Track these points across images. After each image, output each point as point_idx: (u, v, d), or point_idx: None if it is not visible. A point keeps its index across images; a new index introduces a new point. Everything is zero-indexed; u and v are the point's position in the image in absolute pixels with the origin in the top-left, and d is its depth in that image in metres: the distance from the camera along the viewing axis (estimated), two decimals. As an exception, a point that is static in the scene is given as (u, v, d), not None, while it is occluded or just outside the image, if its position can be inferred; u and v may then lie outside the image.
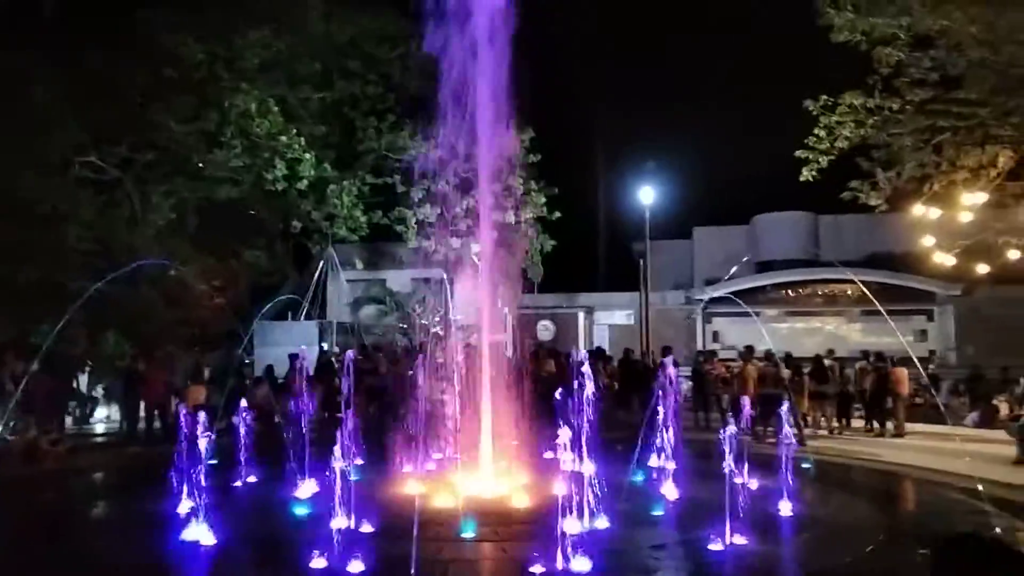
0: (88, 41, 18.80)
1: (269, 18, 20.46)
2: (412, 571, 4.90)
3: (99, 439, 15.60)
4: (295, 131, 21.32)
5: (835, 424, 16.15)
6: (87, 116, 18.92)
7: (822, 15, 16.33)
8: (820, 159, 17.28)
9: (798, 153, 17.49)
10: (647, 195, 22.25)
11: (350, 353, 17.00)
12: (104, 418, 17.59)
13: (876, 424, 15.90)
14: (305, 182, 22.66)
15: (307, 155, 21.72)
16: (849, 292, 27.74)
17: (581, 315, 31.46)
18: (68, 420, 15.79)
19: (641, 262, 22.42)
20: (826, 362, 16.44)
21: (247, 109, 19.97)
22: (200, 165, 21.46)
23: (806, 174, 17.68)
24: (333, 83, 23.93)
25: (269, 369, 16.47)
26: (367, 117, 24.70)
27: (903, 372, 16.06)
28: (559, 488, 9.53)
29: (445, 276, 22.99)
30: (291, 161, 21.76)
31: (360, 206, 25.02)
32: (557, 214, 27.09)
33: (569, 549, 6.38)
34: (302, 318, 26.33)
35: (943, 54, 15.85)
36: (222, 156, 20.98)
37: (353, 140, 25.05)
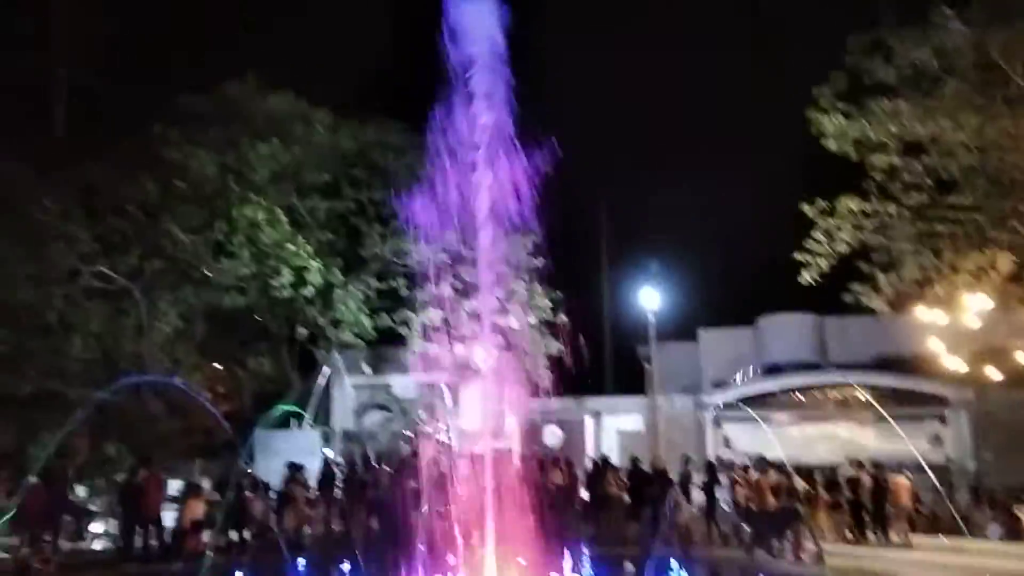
0: (100, 154, 19.47)
1: (278, 132, 21.18)
2: None
3: (94, 556, 15.08)
4: (302, 239, 21.67)
5: (850, 536, 15.58)
6: (97, 227, 19.35)
7: (813, 123, 16.83)
8: (820, 262, 17.40)
9: (797, 256, 17.64)
10: (650, 298, 22.27)
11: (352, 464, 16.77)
12: (101, 532, 17.07)
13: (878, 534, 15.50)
14: (311, 288, 22.86)
15: (314, 262, 22.00)
16: (860, 396, 27.28)
17: (589, 420, 30.94)
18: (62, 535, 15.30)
19: (646, 366, 22.20)
20: (842, 472, 16.02)
21: (255, 219, 20.38)
22: (208, 274, 21.72)
23: (807, 277, 17.77)
24: (340, 191, 24.52)
25: (266, 486, 16.08)
26: (372, 223, 25.16)
27: (902, 481, 15.82)
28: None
29: (447, 383, 22.86)
30: (298, 268, 22.02)
31: (365, 311, 25.14)
32: (562, 318, 27.14)
33: None
34: (305, 426, 25.98)
35: (935, 160, 16.21)
36: (230, 265, 21.26)
37: (359, 246, 25.42)
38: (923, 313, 17.06)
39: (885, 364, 27.54)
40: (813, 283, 17.96)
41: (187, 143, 20.12)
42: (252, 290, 23.19)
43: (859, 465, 16.49)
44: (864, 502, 15.48)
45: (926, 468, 16.30)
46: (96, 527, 17.37)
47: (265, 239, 20.83)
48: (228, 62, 22.59)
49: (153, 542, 14.02)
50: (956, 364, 17.57)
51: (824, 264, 17.53)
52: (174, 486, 16.33)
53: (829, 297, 20.61)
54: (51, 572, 11.92)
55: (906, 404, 24.79)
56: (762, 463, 14.91)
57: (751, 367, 30.94)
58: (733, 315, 32.62)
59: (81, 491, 17.55)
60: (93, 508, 17.69)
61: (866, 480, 15.66)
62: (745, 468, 16.20)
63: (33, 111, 19.91)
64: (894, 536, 15.45)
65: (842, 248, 17.06)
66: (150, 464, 15.38)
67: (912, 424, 25.23)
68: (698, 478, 15.96)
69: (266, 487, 15.85)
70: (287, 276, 21.82)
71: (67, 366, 19.59)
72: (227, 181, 20.81)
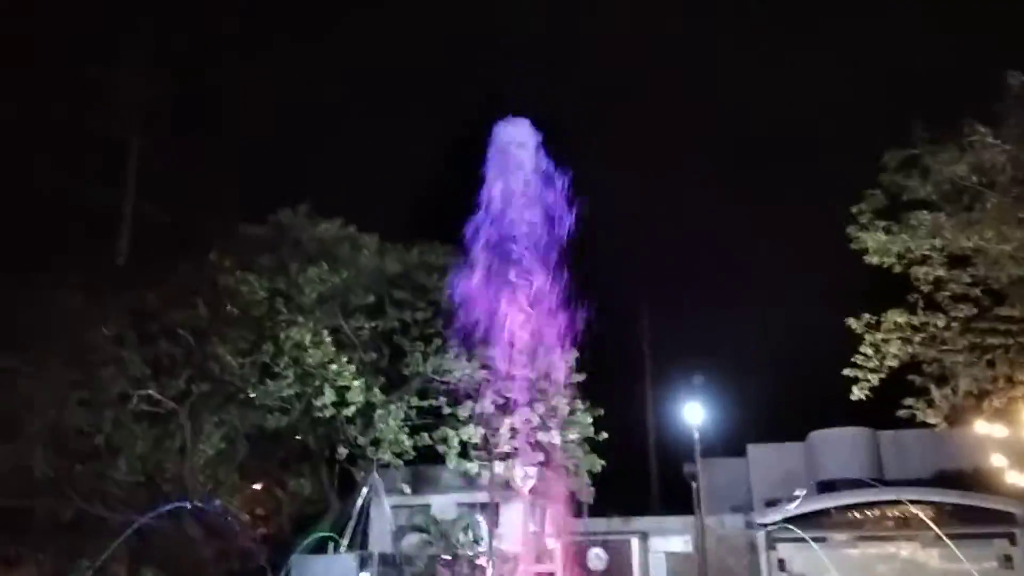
0: (157, 280, 20.27)
1: (326, 256, 21.89)
2: None
3: None
4: (346, 359, 21.93)
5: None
6: (149, 351, 19.87)
7: (853, 239, 16.89)
8: (870, 377, 17.05)
9: (846, 371, 17.32)
10: (695, 413, 21.87)
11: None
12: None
13: None
14: (353, 408, 22.92)
15: (356, 382, 22.16)
16: (922, 514, 25.97)
17: (635, 541, 29.76)
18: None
19: (694, 484, 21.53)
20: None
21: (302, 341, 20.76)
22: (252, 395, 21.99)
23: (857, 393, 17.40)
24: (385, 311, 24.95)
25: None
26: (415, 342, 25.42)
27: None
28: None
29: (487, 502, 22.36)
30: (340, 388, 22.17)
31: (406, 430, 25.02)
32: (604, 434, 26.66)
33: None
34: (344, 549, 25.42)
35: (982, 271, 16.05)
36: (275, 387, 21.51)
37: (401, 364, 25.60)
38: (982, 427, 16.44)
39: (945, 480, 26.33)
40: (864, 399, 17.54)
41: (240, 268, 20.87)
42: (295, 410, 23.34)
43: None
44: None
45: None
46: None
47: (310, 360, 21.12)
48: (281, 190, 23.78)
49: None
50: (1020, 480, 16.73)
51: (874, 379, 17.18)
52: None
53: (883, 413, 20.07)
54: None
55: (970, 522, 23.49)
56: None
57: (804, 485, 29.81)
58: (783, 431, 31.79)
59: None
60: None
61: None
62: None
63: (98, 240, 20.98)
64: None
65: (892, 362, 16.75)
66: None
67: (978, 543, 23.84)
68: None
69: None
70: (330, 395, 21.96)
71: (110, 489, 19.67)
72: (275, 304, 21.38)
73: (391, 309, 25.02)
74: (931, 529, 25.26)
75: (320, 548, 26.07)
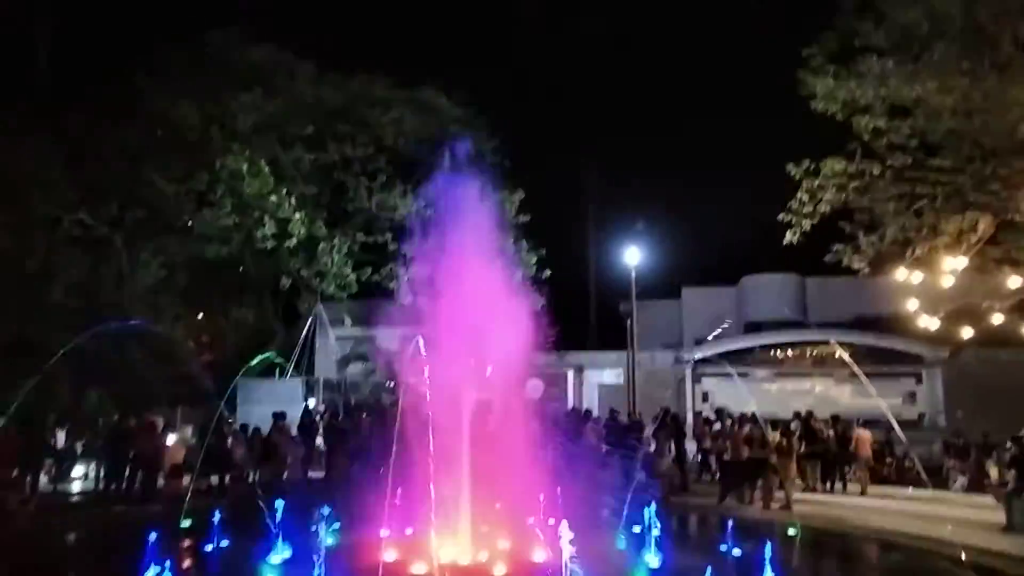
0: (82, 102, 19.15)
1: (261, 82, 20.86)
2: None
3: (74, 498, 15.26)
4: (285, 191, 21.52)
5: (816, 485, 16.11)
6: (78, 175, 19.11)
7: (803, 83, 16.76)
8: (803, 222, 17.51)
9: (781, 217, 17.74)
10: (633, 255, 22.37)
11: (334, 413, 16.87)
12: (81, 476, 17.23)
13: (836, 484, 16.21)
14: (295, 240, 22.78)
15: (297, 214, 21.89)
16: (837, 354, 27.71)
17: (571, 373, 31.30)
18: (44, 478, 15.45)
19: (628, 322, 22.38)
20: (813, 423, 16.43)
21: (238, 169, 20.19)
22: (189, 224, 21.58)
23: (789, 237, 17.90)
24: (325, 144, 24.29)
25: (244, 428, 16.27)
26: (358, 177, 25.00)
27: (865, 434, 16.53)
28: (537, 555, 9.39)
29: (431, 335, 22.95)
30: (281, 220, 21.91)
31: (350, 264, 25.12)
32: (547, 272, 27.24)
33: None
34: (288, 376, 26.14)
35: (921, 122, 16.22)
36: (212, 215, 21.11)
37: (344, 199, 25.28)
38: (902, 274, 17.24)
39: (864, 323, 27.99)
40: (795, 244, 18.08)
41: (169, 92, 19.80)
42: (235, 241, 23.11)
43: (827, 420, 16.98)
44: (828, 453, 15.93)
45: (895, 425, 16.75)
46: (78, 470, 17.50)
47: (248, 190, 20.66)
48: (209, 11, 22.18)
49: (136, 484, 14.19)
50: (932, 324, 17.82)
51: (807, 225, 17.63)
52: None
53: (811, 258, 20.85)
54: (30, 512, 12.07)
55: (882, 362, 25.24)
56: (740, 417, 15.18)
57: (734, 326, 31.35)
58: (717, 275, 32.96)
59: (61, 437, 17.60)
60: (75, 452, 17.77)
61: (830, 432, 16.13)
62: (718, 418, 16.56)
63: (14, 60, 19.49)
64: (854, 485, 16.22)
65: (825, 209, 17.15)
66: (138, 411, 15.51)
67: (888, 381, 25.76)
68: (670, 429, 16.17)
69: (247, 433, 16.01)
70: (270, 227, 21.74)
71: (47, 314, 19.52)
72: (209, 131, 20.56)
73: (332, 143, 24.36)
74: (846, 367, 27.14)
75: (267, 374, 26.79)
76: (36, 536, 11.12)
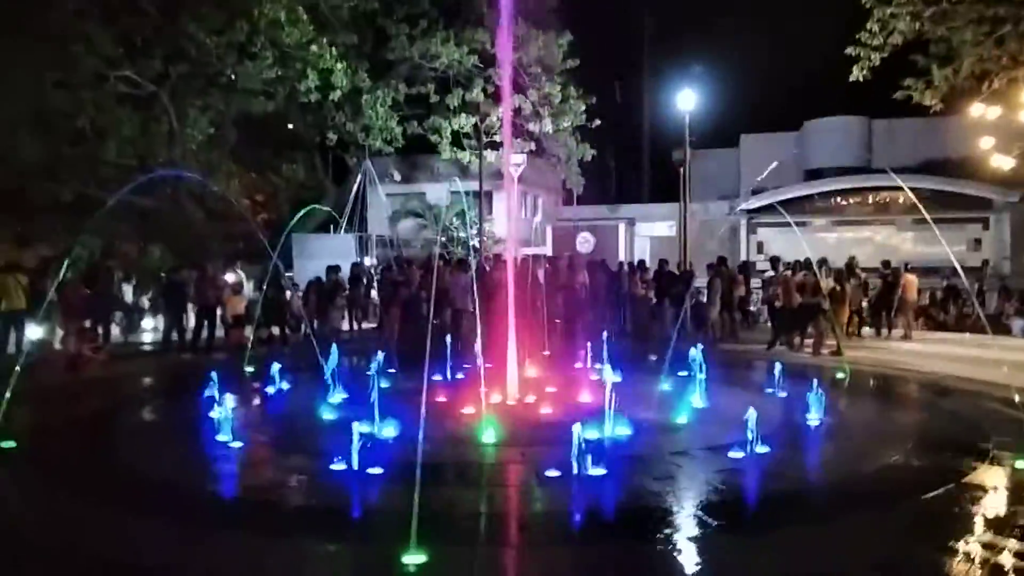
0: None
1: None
2: (417, 474, 4.95)
3: (143, 347, 16.12)
4: (326, 40, 20.90)
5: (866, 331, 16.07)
6: (116, 27, 18.83)
7: None
8: (872, 56, 16.31)
9: (849, 50, 16.53)
10: (687, 99, 21.32)
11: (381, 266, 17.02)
12: (151, 328, 18.14)
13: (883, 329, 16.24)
14: (339, 93, 22.38)
15: (339, 65, 21.36)
16: (902, 200, 26.66)
17: (622, 227, 31.02)
18: (116, 330, 16.29)
19: (681, 170, 21.71)
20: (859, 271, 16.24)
21: (277, 18, 19.57)
22: (232, 77, 21.29)
23: (857, 73, 16.75)
24: (364, -11, 23.28)
25: (310, 281, 16.70)
26: (399, 24, 24.08)
27: (911, 279, 16.34)
28: (583, 396, 9.61)
29: (480, 190, 22.79)
30: (323, 72, 21.44)
31: (395, 117, 24.71)
32: (597, 122, 26.39)
33: (587, 454, 6.39)
34: (342, 231, 26.51)
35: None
36: (254, 68, 20.75)
37: (385, 49, 24.51)
38: (976, 110, 16.11)
39: (932, 168, 26.70)
40: (863, 80, 16.93)
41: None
42: (280, 95, 22.82)
43: (882, 264, 16.77)
44: (876, 298, 15.80)
45: (960, 272, 16.29)
46: (148, 323, 18.39)
47: (288, 40, 20.11)
48: None
49: (202, 334, 14.85)
50: (1005, 164, 16.81)
51: (876, 58, 16.42)
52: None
53: (879, 100, 19.59)
54: (101, 360, 12.78)
55: (949, 208, 24.21)
56: (796, 265, 14.87)
57: (795, 173, 30.24)
58: (779, 120, 31.46)
59: (128, 292, 18.39)
60: (143, 306, 18.62)
61: (877, 280, 15.98)
62: (772, 266, 16.30)
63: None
64: (903, 329, 16.26)
65: (897, 40, 15.85)
66: (196, 265, 15.97)
67: (953, 228, 24.84)
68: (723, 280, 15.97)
69: (307, 285, 16.47)
70: (313, 79, 21.31)
71: (104, 172, 19.87)
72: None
73: (371, -13, 23.32)
74: (908, 214, 26.20)
75: (321, 229, 27.25)
76: (108, 381, 11.81)
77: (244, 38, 20.06)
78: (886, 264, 17.09)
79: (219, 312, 15.24)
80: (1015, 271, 23.27)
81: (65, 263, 12.22)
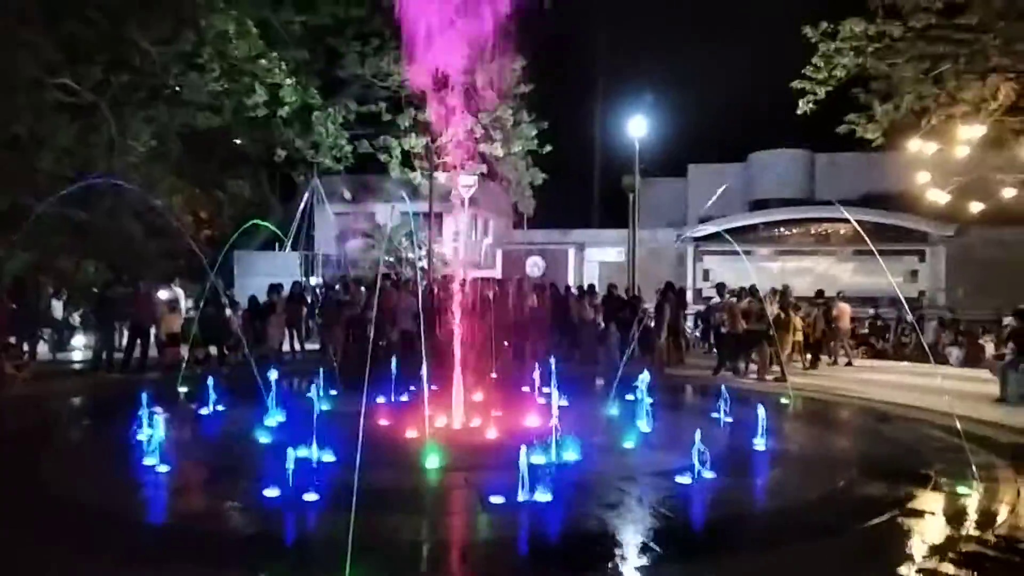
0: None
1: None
2: (355, 500, 4.71)
3: (72, 366, 15.40)
4: (276, 55, 20.55)
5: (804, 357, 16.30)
6: (59, 32, 18.20)
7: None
8: (817, 89, 16.75)
9: (795, 84, 16.95)
10: (639, 126, 21.56)
11: (324, 285, 16.62)
12: (82, 346, 17.37)
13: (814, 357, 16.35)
14: (288, 109, 22.01)
15: (289, 80, 21.01)
16: (842, 231, 27.43)
17: (572, 251, 31.15)
18: (43, 347, 15.55)
19: (631, 196, 21.90)
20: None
21: (225, 31, 19.17)
22: (177, 89, 20.76)
23: (803, 106, 17.16)
24: (317, 6, 23.03)
25: (251, 299, 16.22)
26: (351, 42, 23.88)
27: (844, 307, 16.94)
28: (530, 420, 9.43)
29: (429, 211, 22.61)
30: (272, 87, 21.06)
31: (345, 135, 24.39)
32: (548, 147, 26.50)
33: (533, 480, 6.21)
34: (287, 250, 25.96)
35: (947, -21, 15.14)
36: (200, 80, 20.26)
37: (337, 66, 24.27)
38: (914, 145, 16.61)
39: (872, 201, 27.49)
40: (808, 113, 17.35)
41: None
42: (226, 109, 22.31)
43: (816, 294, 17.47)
44: (814, 327, 16.10)
45: (902, 301, 16.82)
46: (78, 340, 17.62)
47: (236, 52, 19.70)
48: None
49: (134, 353, 14.23)
50: (941, 198, 17.35)
51: (821, 92, 16.86)
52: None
53: (823, 135, 20.13)
54: (25, 378, 12.14)
55: (888, 240, 24.92)
56: (740, 291, 15.04)
57: (740, 204, 30.86)
58: (726, 151, 32.11)
59: (59, 307, 17.61)
60: (73, 323, 17.85)
61: (814, 310, 16.33)
62: (717, 293, 16.48)
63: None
64: (840, 356, 16.71)
65: (841, 74, 16.31)
66: (133, 281, 15.36)
67: (891, 260, 25.55)
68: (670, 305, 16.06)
69: (247, 304, 15.98)
70: (261, 94, 20.89)
71: (39, 182, 19.08)
72: (194, -13, 19.39)
73: (324, 4, 23.08)
74: (848, 245, 26.92)
75: (265, 249, 26.64)
76: (30, 400, 11.20)
77: (191, 48, 19.59)
78: (819, 293, 17.51)
79: (153, 331, 14.66)
80: (950, 303, 23.99)
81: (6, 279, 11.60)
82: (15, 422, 9.61)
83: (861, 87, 17.03)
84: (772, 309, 14.19)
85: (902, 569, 4.90)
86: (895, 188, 25.17)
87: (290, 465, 6.23)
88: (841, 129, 17.74)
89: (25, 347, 13.64)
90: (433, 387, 9.56)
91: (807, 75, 16.70)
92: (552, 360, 11.17)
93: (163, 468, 7.08)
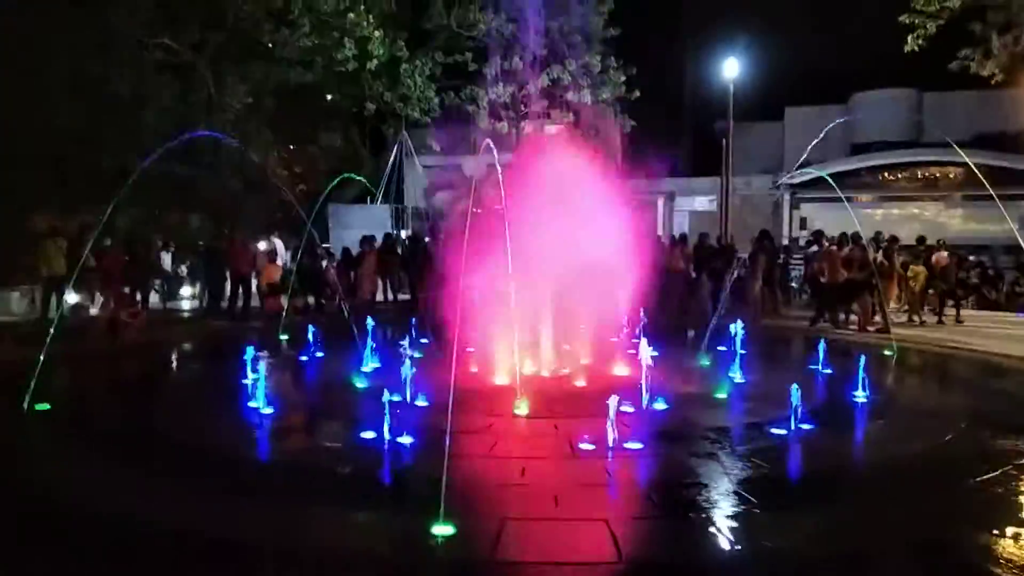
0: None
1: None
2: (448, 442, 4.82)
3: (181, 314, 16.27)
4: (363, 8, 20.68)
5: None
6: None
7: None
8: (928, 24, 15.61)
9: (903, 18, 15.84)
10: (731, 68, 20.67)
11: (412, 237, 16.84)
12: (189, 296, 18.31)
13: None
14: (376, 62, 22.17)
15: (376, 33, 21.13)
16: (952, 175, 25.76)
17: (660, 201, 30.48)
18: (154, 297, 16.47)
19: (724, 142, 21.15)
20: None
21: (313, -15, 19.40)
22: (270, 46, 21.21)
23: (911, 43, 16.06)
24: (402, -43, 22.98)
25: (344, 251, 16.68)
26: (437, -8, 23.77)
27: (942, 256, 15.67)
28: (620, 370, 9.40)
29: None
30: (361, 40, 21.22)
31: (432, 86, 24.45)
32: (637, 94, 25.84)
33: (622, 427, 6.20)
34: (378, 202, 26.43)
35: None
36: (291, 36, 20.62)
37: (423, 17, 24.22)
38: (1034, 81, 15.39)
39: (983, 142, 25.68)
40: (916, 50, 16.24)
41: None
42: (317, 66, 22.67)
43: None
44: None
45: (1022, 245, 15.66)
46: (186, 291, 18.57)
47: (325, 7, 19.92)
48: None
49: (238, 302, 14.92)
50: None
51: (932, 26, 15.72)
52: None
53: (932, 73, 18.78)
54: (139, 325, 12.90)
55: (1002, 183, 23.28)
56: (842, 238, 14.38)
57: (841, 147, 29.38)
58: (825, 93, 30.47)
59: (167, 260, 18.54)
60: (181, 273, 18.80)
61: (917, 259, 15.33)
62: (815, 241, 15.82)
63: None
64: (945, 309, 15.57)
65: (955, 4, 15.14)
66: (233, 232, 16.04)
67: (1006, 205, 23.88)
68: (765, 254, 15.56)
69: (341, 255, 16.45)
70: (350, 48, 21.10)
71: (143, 140, 19.96)
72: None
73: (408, -46, 23.02)
74: (958, 190, 25.30)
75: (357, 202, 27.24)
76: (143, 346, 11.91)
77: (281, 4, 19.93)
78: (920, 240, 16.50)
79: (255, 281, 15.30)
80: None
81: (98, 231, 12.26)
82: (130, 367, 10.25)
83: (976, 19, 15.80)
84: (877, 257, 13.54)
85: (1012, 528, 4.67)
86: (1012, 127, 23.50)
87: (385, 409, 6.42)
88: (953, 66, 16.54)
89: (138, 296, 14.46)
90: (521, 335, 9.61)
91: (917, 8, 15.58)
92: (642, 310, 11.05)
93: (267, 410, 7.43)
